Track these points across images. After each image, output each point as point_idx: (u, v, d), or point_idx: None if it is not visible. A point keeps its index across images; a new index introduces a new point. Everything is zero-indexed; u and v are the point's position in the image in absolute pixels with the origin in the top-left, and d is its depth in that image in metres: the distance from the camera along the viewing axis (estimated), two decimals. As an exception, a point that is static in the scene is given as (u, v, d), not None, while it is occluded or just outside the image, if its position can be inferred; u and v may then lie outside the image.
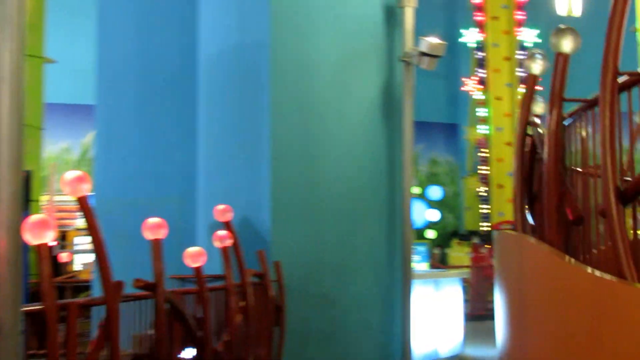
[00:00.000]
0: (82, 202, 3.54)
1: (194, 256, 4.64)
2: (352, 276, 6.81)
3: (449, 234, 18.89)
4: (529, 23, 18.64)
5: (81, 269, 12.06)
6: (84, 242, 12.21)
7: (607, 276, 2.46)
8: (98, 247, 3.66)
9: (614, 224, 3.33)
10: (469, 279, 13.44)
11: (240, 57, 6.92)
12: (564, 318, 2.49)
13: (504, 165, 18.00)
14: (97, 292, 6.85)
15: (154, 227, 4.14)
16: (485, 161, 18.17)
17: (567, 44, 4.22)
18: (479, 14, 18.34)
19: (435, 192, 18.88)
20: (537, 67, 4.64)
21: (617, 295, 2.38)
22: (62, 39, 15.06)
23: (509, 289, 3.52)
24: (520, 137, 4.55)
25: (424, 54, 6.84)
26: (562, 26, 4.42)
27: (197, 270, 4.69)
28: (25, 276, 6.06)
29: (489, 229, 17.51)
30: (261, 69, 6.75)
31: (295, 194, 6.66)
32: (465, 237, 17.26)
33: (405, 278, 7.03)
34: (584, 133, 4.21)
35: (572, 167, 4.19)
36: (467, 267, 14.94)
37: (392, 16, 7.28)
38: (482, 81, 18.27)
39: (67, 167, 15.50)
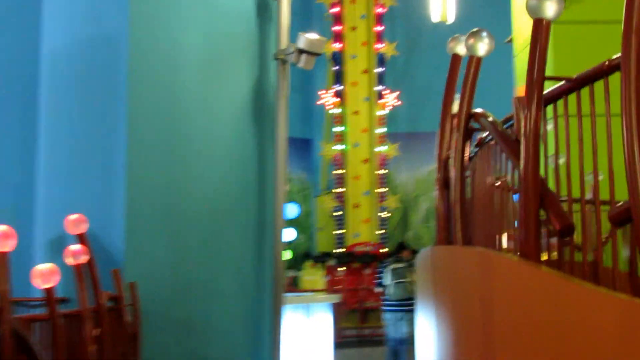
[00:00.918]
0: None
1: (45, 275, 4.07)
2: (217, 300, 6.39)
3: (301, 256, 18.70)
4: (387, 35, 18.89)
5: None
6: None
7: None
8: None
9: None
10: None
11: (92, 52, 6.35)
12: (577, 350, 2.15)
13: (360, 183, 18.05)
14: None
15: (-2, 238, 3.57)
16: (340, 179, 18.14)
17: (550, 8, 3.58)
18: (337, 24, 18.39)
19: (292, 210, 18.68)
20: (483, 47, 4.21)
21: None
22: None
23: (459, 313, 3.21)
24: (463, 137, 4.18)
25: (302, 51, 6.56)
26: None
27: (49, 291, 4.12)
28: None
29: (344, 250, 17.46)
30: (117, 65, 6.19)
31: (155, 206, 6.15)
32: (319, 259, 17.11)
33: (276, 303, 6.68)
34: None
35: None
36: (322, 291, 14.77)
37: (265, 10, 6.97)
38: (339, 95, 18.29)
39: None
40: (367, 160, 18.17)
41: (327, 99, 18.30)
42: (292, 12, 7.01)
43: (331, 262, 16.11)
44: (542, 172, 3.77)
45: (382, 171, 18.47)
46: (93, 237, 5.78)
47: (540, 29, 3.31)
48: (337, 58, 18.40)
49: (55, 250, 5.63)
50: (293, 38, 6.80)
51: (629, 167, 2.27)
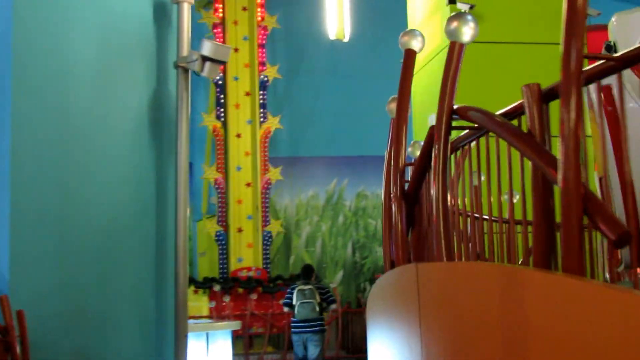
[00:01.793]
0: None
1: None
2: (114, 329, 5.67)
3: (183, 282, 17.88)
4: (269, 58, 18.49)
5: None
6: None
7: None
8: None
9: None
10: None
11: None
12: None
13: (243, 207, 17.48)
14: None
15: None
16: (223, 203, 17.51)
17: (467, 34, 3.58)
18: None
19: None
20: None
21: None
22: None
23: (463, 334, 2.68)
24: (445, 138, 3.63)
25: (206, 58, 5.98)
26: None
27: None
28: None
29: (227, 276, 16.82)
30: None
31: (44, 228, 5.39)
32: (202, 284, 16.37)
33: (179, 331, 6.02)
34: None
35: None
36: (207, 317, 14.07)
37: (164, 14, 6.36)
38: (220, 117, 17.69)
39: None
40: (250, 184, 17.62)
41: (208, 121, 17.66)
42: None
43: (216, 288, 15.41)
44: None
45: (265, 195, 17.97)
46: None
47: (454, 51, 3.59)
48: (219, 80, 17.83)
49: None
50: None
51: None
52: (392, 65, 18.92)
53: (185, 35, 6.23)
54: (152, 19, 6.28)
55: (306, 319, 10.54)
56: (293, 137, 19.30)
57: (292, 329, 10.95)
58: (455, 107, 3.38)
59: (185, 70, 6.17)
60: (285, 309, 11.20)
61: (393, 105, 4.68)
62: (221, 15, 17.99)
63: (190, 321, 6.72)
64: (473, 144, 3.41)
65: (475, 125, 3.24)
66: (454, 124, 3.56)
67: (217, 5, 18.04)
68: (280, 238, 18.83)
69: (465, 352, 2.61)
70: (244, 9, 18.19)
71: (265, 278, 17.03)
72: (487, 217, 3.60)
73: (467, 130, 3.61)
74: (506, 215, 4.49)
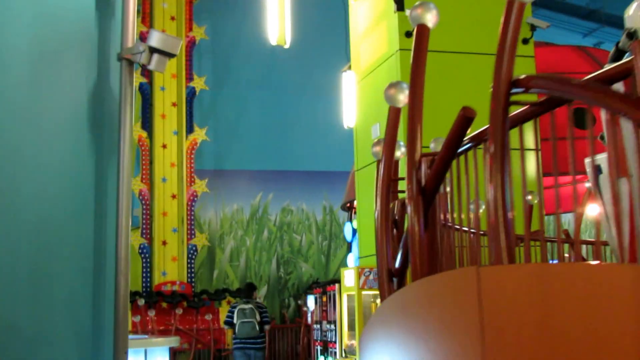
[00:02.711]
0: None
1: None
2: (45, 347, 4.97)
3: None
4: (196, 69, 17.85)
5: None
6: None
7: None
8: None
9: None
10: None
11: None
12: None
13: (168, 219, 16.73)
14: None
15: None
16: (147, 215, 16.71)
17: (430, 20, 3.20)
18: (145, 54, 17.07)
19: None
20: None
21: None
22: None
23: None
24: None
25: (154, 50, 5.34)
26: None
27: None
28: None
29: (151, 289, 16.03)
30: None
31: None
32: (124, 299, 15.48)
33: (119, 347, 5.33)
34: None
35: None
36: (132, 332, 13.24)
37: (107, 3, 5.71)
38: (146, 127, 16.93)
39: None
40: (176, 196, 16.89)
41: (134, 130, 16.87)
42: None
43: (140, 302, 14.60)
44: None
45: (191, 208, 17.27)
46: None
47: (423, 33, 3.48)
48: (146, 89, 17.08)
49: None
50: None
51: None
52: (321, 79, 18.77)
53: (131, 24, 5.57)
54: (94, 7, 5.63)
55: (245, 337, 10.68)
56: (219, 149, 18.69)
57: (236, 345, 10.97)
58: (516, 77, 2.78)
59: (130, 63, 5.50)
60: (226, 327, 11.33)
61: (378, 148, 4.15)
62: (149, 23, 17.27)
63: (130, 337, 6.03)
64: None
65: (539, 100, 2.71)
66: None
67: (144, 12, 17.32)
68: (205, 252, 18.14)
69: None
70: (172, 18, 17.52)
71: (190, 292, 16.30)
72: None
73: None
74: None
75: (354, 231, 12.73)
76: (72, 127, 5.37)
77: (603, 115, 2.60)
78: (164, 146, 16.93)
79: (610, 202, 2.28)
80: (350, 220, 13.34)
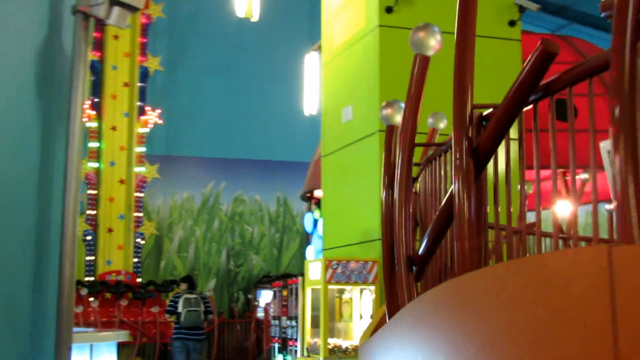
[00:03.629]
0: None
1: None
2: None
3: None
4: (151, 49, 17.08)
5: None
6: None
7: None
8: None
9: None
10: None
11: None
12: None
13: (115, 205, 15.95)
14: None
15: None
16: (93, 200, 15.90)
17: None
18: (96, 30, 16.25)
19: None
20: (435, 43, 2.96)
21: None
22: None
23: None
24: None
25: (114, 2, 4.70)
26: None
27: None
28: None
29: (95, 279, 15.27)
30: None
31: None
32: (65, 288, 14.70)
33: (61, 342, 4.68)
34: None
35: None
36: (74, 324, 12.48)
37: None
38: (95, 107, 16.11)
39: None
40: (124, 181, 16.11)
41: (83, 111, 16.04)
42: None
43: (83, 292, 13.82)
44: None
45: (139, 194, 16.51)
46: None
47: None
48: (96, 67, 16.27)
49: None
50: None
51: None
52: (282, 63, 18.14)
53: (88, -26, 4.92)
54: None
55: (192, 327, 10.69)
56: (171, 134, 18.00)
57: (176, 336, 10.92)
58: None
59: (86, 17, 4.85)
60: (167, 316, 11.28)
61: (390, 111, 3.76)
62: (101, -2, 16.44)
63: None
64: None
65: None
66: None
67: (97, -14, 16.48)
68: (152, 241, 17.41)
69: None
70: (127, -6, 16.70)
71: (136, 283, 15.56)
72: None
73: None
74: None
75: (315, 222, 12.17)
76: (17, 88, 4.72)
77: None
78: (114, 128, 16.14)
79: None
80: (311, 210, 12.77)
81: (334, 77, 8.84)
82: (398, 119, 3.69)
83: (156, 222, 17.38)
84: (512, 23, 7.81)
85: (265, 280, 17.96)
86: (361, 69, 8.09)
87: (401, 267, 2.84)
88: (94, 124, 15.95)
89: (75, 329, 7.63)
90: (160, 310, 14.78)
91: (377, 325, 4.53)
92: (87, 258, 15.45)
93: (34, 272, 4.81)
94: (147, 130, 16.64)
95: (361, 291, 7.39)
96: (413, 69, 3.25)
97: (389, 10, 7.49)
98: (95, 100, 16.08)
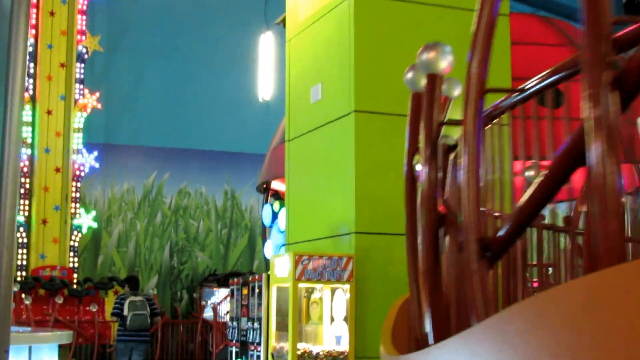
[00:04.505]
0: None
1: None
2: None
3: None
4: (89, 28, 16.13)
5: None
6: None
7: None
8: None
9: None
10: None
11: None
12: None
13: (50, 195, 15.01)
14: None
15: None
16: (26, 190, 14.92)
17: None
18: (31, 6, 15.25)
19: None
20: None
21: None
22: None
23: None
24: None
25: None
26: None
27: None
28: None
29: (27, 274, 14.33)
30: None
31: None
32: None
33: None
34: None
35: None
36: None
37: None
38: (28, 89, 15.10)
39: None
40: (60, 170, 15.17)
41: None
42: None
43: (14, 288, 12.87)
44: None
45: (76, 184, 15.57)
46: None
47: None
48: (29, 45, 15.25)
49: None
50: None
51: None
52: (233, 45, 17.35)
53: None
54: None
55: (137, 329, 10.59)
56: (111, 121, 17.08)
57: (120, 338, 10.79)
58: None
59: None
60: (114, 319, 11.10)
61: (411, 75, 3.21)
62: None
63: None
64: None
65: None
66: None
67: (33, -43, 15.47)
68: (90, 235, 16.47)
69: None
70: (66, -33, 15.74)
71: (72, 279, 14.66)
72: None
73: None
74: None
75: (275, 215, 11.44)
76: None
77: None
78: (49, 112, 15.22)
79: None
80: (266, 202, 12.03)
81: (301, 54, 8.12)
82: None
83: (94, 214, 16.48)
84: (501, -3, 7.24)
85: (211, 279, 17.22)
86: (333, 43, 7.40)
87: (472, 252, 2.16)
88: (26, 107, 14.94)
89: (14, 328, 6.78)
90: (99, 309, 13.94)
91: (393, 325, 3.83)
92: (19, 251, 14.47)
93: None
94: (85, 115, 15.71)
95: (333, 290, 6.71)
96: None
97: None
98: (29, 81, 15.05)
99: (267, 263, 13.15)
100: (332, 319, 6.72)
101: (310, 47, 7.92)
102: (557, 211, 3.40)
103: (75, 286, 14.53)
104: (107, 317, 14.12)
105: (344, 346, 6.58)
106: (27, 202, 14.85)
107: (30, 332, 7.11)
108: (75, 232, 15.36)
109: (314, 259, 6.57)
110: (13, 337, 5.28)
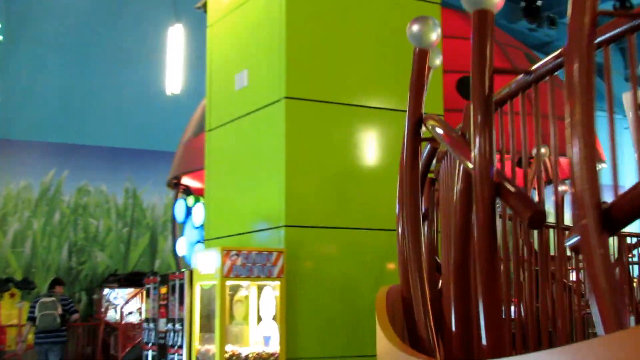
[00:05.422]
0: None
1: None
2: None
3: None
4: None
5: None
6: None
7: None
8: None
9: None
10: None
11: None
12: None
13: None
14: None
15: None
16: None
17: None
18: None
19: None
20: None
21: None
22: None
23: None
24: None
25: None
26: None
27: None
28: None
29: None
30: None
31: None
32: None
33: None
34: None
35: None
36: None
37: None
38: None
39: None
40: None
41: None
42: None
43: None
44: None
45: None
46: None
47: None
48: None
49: None
50: None
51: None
52: (139, 38, 16.61)
53: None
54: None
55: (47, 330, 10.42)
56: (6, 114, 16.22)
57: (35, 340, 10.68)
58: None
59: None
60: (30, 324, 10.89)
61: (416, 27, 2.92)
62: None
63: None
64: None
65: None
66: None
67: None
68: (-19, 234, 15.51)
69: None
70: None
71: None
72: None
73: None
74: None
75: (188, 210, 10.87)
76: None
77: None
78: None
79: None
80: (178, 197, 11.47)
81: (224, 39, 7.62)
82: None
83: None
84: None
85: (111, 279, 16.51)
86: (260, 27, 6.93)
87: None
88: None
89: None
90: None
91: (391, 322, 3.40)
92: None
93: None
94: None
95: (259, 288, 6.23)
96: None
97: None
98: None
99: (178, 261, 12.57)
100: (259, 319, 6.25)
101: (235, 31, 7.43)
102: None
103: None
104: (2, 320, 13.32)
105: (274, 347, 6.12)
106: None
107: None
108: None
109: (242, 254, 6.08)
110: None
